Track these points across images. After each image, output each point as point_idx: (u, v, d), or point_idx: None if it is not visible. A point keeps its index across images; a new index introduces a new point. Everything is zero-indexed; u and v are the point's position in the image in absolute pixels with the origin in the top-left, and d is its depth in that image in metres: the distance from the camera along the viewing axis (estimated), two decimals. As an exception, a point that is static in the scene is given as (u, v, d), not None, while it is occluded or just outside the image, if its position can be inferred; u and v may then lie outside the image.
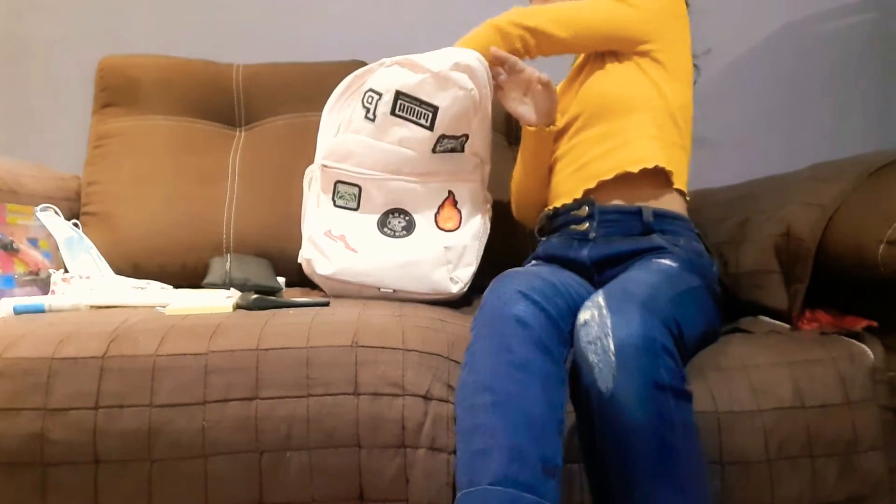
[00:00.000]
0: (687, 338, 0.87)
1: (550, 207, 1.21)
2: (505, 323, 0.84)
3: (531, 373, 0.80)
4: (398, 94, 1.21)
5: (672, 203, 1.12)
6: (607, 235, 1.10)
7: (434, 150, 1.24)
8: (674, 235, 1.07)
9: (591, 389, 0.77)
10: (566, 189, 1.17)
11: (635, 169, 1.10)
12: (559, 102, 1.22)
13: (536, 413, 0.78)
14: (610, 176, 1.11)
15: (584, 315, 0.82)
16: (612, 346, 0.76)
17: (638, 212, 1.09)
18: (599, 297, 0.83)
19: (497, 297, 0.88)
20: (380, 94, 1.23)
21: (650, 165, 1.11)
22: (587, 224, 1.11)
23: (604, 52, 1.19)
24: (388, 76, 1.24)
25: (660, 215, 1.09)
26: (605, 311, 0.79)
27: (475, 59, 1.21)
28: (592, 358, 0.77)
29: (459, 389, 0.83)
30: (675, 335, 0.82)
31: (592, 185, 1.13)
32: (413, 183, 1.25)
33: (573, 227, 1.14)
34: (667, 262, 0.99)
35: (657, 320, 0.79)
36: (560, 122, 1.23)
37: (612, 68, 1.17)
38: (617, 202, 1.12)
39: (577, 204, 1.14)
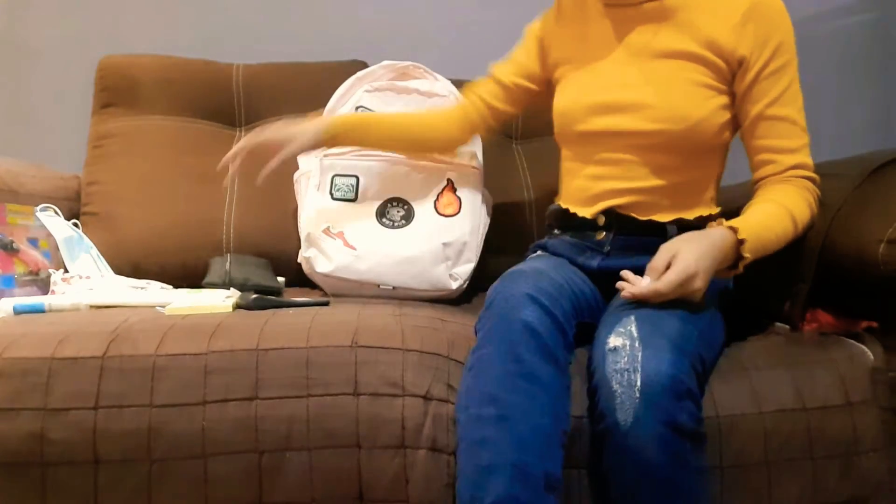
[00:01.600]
0: (709, 370, 0.87)
1: (565, 207, 1.12)
2: (513, 328, 0.82)
3: (539, 384, 0.79)
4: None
5: (700, 206, 1.05)
6: (624, 248, 1.04)
7: None
8: None
9: (608, 417, 0.77)
10: (597, 204, 1.06)
11: (691, 216, 1.03)
12: (588, 84, 1.08)
13: (542, 426, 0.77)
14: (666, 220, 1.03)
15: (614, 341, 0.80)
16: (638, 382, 0.75)
17: (662, 229, 1.02)
18: (632, 326, 0.81)
19: (504, 300, 0.86)
20: (372, 111, 1.36)
21: (705, 214, 1.04)
22: (604, 233, 1.06)
23: (706, 68, 1.01)
24: (377, 101, 1.35)
25: (684, 229, 0.99)
26: (637, 344, 0.78)
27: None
28: (616, 387, 0.77)
29: (464, 394, 0.83)
30: (700, 374, 0.81)
31: (642, 216, 1.03)
32: (411, 165, 1.27)
33: (589, 232, 1.07)
34: None
35: (687, 361, 0.78)
36: (599, 114, 1.05)
37: (705, 93, 1.00)
38: (641, 217, 1.04)
39: (595, 213, 1.06)
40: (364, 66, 1.51)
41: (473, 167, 1.30)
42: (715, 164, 1.06)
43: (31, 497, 0.80)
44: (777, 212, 0.95)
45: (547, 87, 1.21)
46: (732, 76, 1.01)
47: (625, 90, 1.04)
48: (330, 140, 1.20)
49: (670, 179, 1.03)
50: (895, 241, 0.90)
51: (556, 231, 1.15)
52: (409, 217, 1.25)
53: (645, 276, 0.86)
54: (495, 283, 0.93)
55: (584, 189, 1.09)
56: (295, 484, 0.83)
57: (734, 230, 0.89)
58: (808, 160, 1.01)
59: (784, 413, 0.88)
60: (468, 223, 1.25)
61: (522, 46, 1.23)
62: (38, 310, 1.03)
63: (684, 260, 0.84)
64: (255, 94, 1.57)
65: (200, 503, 0.82)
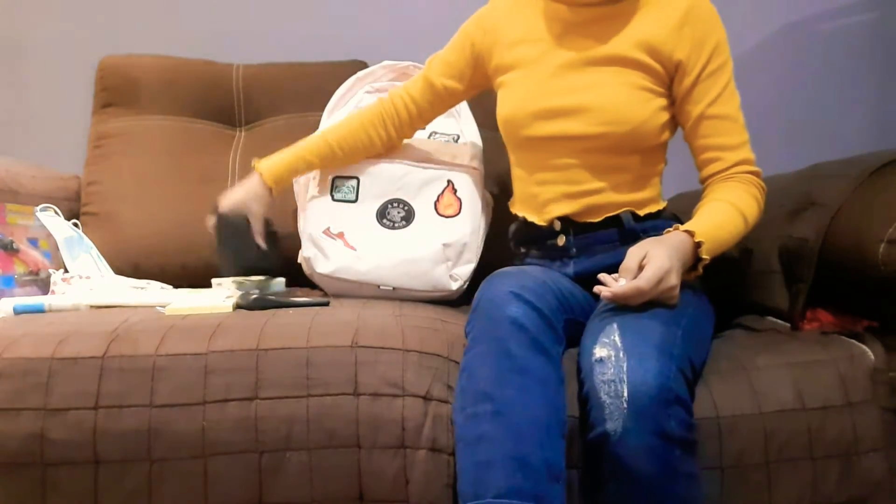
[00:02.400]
0: (698, 370, 0.88)
1: (522, 216, 1.14)
2: (500, 325, 0.83)
3: (531, 376, 0.80)
4: None
5: (650, 203, 1.08)
6: (588, 246, 1.07)
7: (429, 138, 1.35)
8: (656, 232, 1.01)
9: (598, 427, 0.77)
10: (553, 209, 1.08)
11: (642, 212, 1.06)
12: (538, 86, 1.08)
13: (539, 417, 0.78)
14: (618, 212, 1.05)
15: (599, 352, 0.81)
16: (625, 393, 0.76)
17: (616, 219, 1.05)
18: (615, 335, 0.81)
19: (489, 300, 0.88)
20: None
21: (654, 210, 1.07)
22: (563, 238, 1.08)
23: (645, 73, 1.04)
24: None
25: (640, 217, 1.06)
26: (621, 354, 0.79)
27: None
28: (604, 398, 0.77)
29: (458, 395, 0.83)
30: (689, 378, 0.81)
31: (597, 218, 1.06)
32: (411, 166, 1.27)
33: (549, 241, 1.10)
34: None
35: (674, 366, 0.78)
36: (546, 120, 1.06)
37: (645, 96, 1.04)
38: (595, 219, 1.06)
39: (550, 220, 1.09)
40: (364, 66, 1.51)
41: (474, 168, 1.30)
42: (658, 161, 1.10)
43: (31, 497, 0.80)
44: (728, 210, 0.98)
45: (469, 90, 1.23)
46: (670, 80, 1.05)
47: (568, 95, 1.05)
48: (277, 188, 1.22)
49: (617, 179, 1.06)
50: (895, 241, 0.90)
51: (521, 250, 1.17)
52: (409, 218, 1.25)
53: (620, 278, 0.87)
54: (481, 286, 0.94)
55: (535, 195, 1.11)
56: (295, 484, 0.83)
57: (691, 233, 0.91)
58: (750, 155, 1.04)
59: (784, 413, 0.88)
60: (468, 224, 1.25)
61: (455, 47, 1.22)
62: (38, 310, 1.03)
63: (658, 258, 0.85)
64: (255, 94, 1.57)
65: (200, 503, 0.82)
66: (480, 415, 0.78)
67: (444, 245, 1.21)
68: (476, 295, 0.93)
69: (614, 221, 1.05)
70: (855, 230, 0.96)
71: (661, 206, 1.09)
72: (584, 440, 0.81)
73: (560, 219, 1.08)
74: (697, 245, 0.91)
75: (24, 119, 1.76)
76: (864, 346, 0.95)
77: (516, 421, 0.77)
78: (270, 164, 1.21)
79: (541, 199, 1.10)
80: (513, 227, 1.19)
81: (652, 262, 0.85)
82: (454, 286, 1.22)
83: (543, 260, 1.11)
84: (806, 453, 0.87)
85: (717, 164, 1.04)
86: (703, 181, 1.07)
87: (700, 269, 0.93)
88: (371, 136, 1.24)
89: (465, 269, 1.24)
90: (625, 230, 1.05)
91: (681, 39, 1.03)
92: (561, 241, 1.08)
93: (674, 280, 0.85)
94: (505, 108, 1.12)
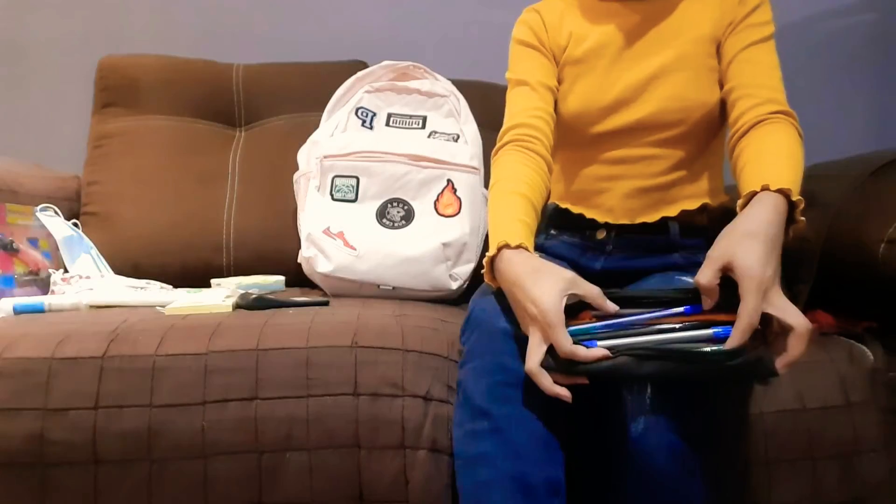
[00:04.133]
0: None
1: (564, 206, 1.07)
2: (494, 338, 0.81)
3: (528, 389, 0.78)
4: (390, 115, 1.38)
5: (718, 194, 1.02)
6: (626, 248, 1.01)
7: (429, 138, 1.35)
8: (696, 250, 0.96)
9: (616, 424, 0.76)
10: (611, 207, 1.02)
11: (715, 202, 0.99)
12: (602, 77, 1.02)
13: (538, 432, 0.77)
14: (693, 207, 0.99)
15: None
16: (648, 390, 0.75)
17: (664, 227, 0.99)
18: None
19: (482, 311, 0.85)
20: (374, 112, 1.37)
21: (715, 203, 1.00)
22: (605, 233, 1.03)
23: (700, 51, 1.00)
24: (377, 102, 1.37)
25: (687, 230, 0.99)
26: None
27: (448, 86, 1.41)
28: (626, 395, 0.76)
29: (457, 411, 0.82)
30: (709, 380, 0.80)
31: (653, 217, 0.99)
32: (411, 166, 1.27)
33: (588, 231, 1.04)
34: (689, 279, 0.96)
35: None
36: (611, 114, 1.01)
37: (714, 78, 0.99)
38: (643, 219, 1.00)
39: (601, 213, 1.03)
40: (364, 66, 1.51)
41: (474, 167, 1.30)
42: (721, 149, 1.04)
43: (31, 497, 0.80)
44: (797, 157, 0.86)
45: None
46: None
47: (640, 84, 1.00)
48: None
49: (687, 169, 1.00)
50: (895, 241, 0.90)
51: (552, 231, 1.10)
52: (409, 217, 1.25)
53: (705, 299, 0.74)
54: (473, 295, 0.91)
55: (601, 190, 1.04)
56: (295, 484, 0.83)
57: (785, 194, 0.77)
58: (784, 98, 0.93)
59: (784, 413, 0.88)
60: (468, 223, 1.25)
61: (530, 52, 1.08)
62: (38, 310, 1.03)
63: (748, 272, 0.70)
64: (255, 94, 1.57)
65: (200, 503, 0.82)
66: (479, 432, 0.77)
67: (444, 244, 1.21)
68: (469, 304, 0.90)
69: (662, 228, 0.99)
70: (855, 230, 0.96)
71: (723, 198, 1.03)
72: (599, 437, 0.80)
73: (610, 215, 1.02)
74: (792, 206, 0.77)
75: (24, 119, 1.75)
76: (863, 347, 0.96)
77: (515, 438, 0.76)
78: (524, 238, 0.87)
79: (604, 193, 1.03)
80: (550, 206, 1.11)
81: (746, 286, 0.69)
82: (454, 286, 1.22)
83: (572, 248, 1.05)
84: (806, 453, 0.87)
85: (748, 101, 0.93)
86: (732, 125, 0.94)
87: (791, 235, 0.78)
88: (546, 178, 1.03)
89: (465, 269, 1.24)
90: (668, 240, 0.99)
91: (733, 6, 0.99)
92: (601, 234, 1.03)
93: (775, 297, 0.70)
94: (572, 103, 1.04)
